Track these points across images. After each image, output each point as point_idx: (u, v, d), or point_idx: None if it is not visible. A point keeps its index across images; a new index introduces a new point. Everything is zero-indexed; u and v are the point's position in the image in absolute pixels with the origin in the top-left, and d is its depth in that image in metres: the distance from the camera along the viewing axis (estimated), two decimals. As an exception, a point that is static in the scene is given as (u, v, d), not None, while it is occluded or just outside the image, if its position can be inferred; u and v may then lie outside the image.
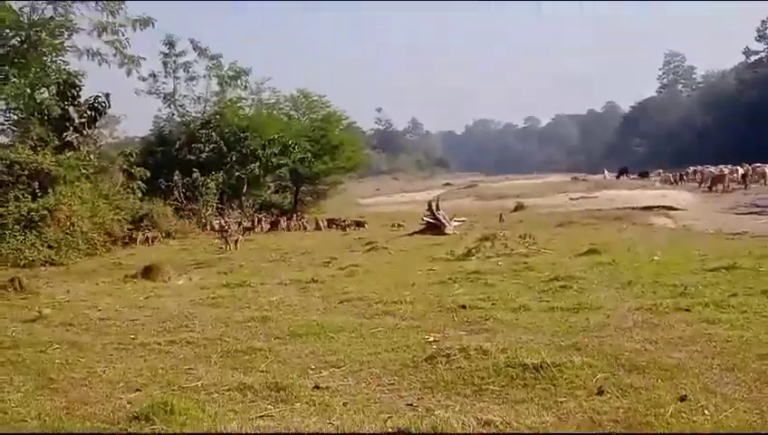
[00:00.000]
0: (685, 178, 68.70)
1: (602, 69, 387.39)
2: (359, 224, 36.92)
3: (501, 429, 6.20)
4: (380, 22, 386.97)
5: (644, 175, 79.62)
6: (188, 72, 47.68)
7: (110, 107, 35.12)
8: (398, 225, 35.69)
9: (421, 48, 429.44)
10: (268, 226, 37.46)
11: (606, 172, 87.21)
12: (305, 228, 37.09)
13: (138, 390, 7.79)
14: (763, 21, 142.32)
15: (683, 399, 6.65)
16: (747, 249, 18.34)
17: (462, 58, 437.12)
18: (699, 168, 71.22)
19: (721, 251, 18.11)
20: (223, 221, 34.68)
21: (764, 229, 26.84)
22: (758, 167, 60.79)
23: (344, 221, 37.51)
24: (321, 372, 8.17)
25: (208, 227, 35.46)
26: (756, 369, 7.51)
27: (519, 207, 44.51)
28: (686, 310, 10.47)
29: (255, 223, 37.38)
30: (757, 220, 31.50)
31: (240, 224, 35.63)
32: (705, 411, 6.36)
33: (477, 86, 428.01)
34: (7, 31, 26.87)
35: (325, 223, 37.59)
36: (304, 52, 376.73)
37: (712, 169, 67.54)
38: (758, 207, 39.53)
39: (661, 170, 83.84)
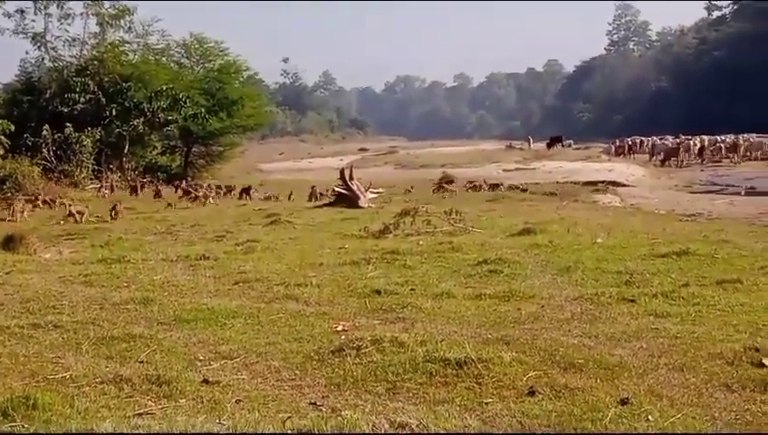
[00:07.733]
0: (633, 150, 69.54)
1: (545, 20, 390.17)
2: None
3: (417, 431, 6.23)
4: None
5: (556, 142, 78.45)
6: (62, 8, 46.80)
7: (-34, 48, 34.45)
8: (314, 196, 35.67)
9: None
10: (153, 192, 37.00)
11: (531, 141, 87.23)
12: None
13: (-6, 381, 7.63)
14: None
15: (624, 402, 6.71)
16: (702, 233, 18.68)
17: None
18: (642, 138, 72.22)
19: (672, 234, 18.40)
20: (102, 184, 34.32)
21: (722, 210, 27.49)
22: (725, 139, 62.05)
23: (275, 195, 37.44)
24: (210, 364, 8.11)
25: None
26: (708, 370, 7.56)
27: (445, 179, 44.73)
28: (632, 301, 10.61)
29: (138, 188, 36.98)
30: (714, 200, 32.21)
31: (113, 189, 35.31)
32: (649, 417, 6.42)
33: (401, 36, 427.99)
34: None
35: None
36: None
37: (656, 140, 68.79)
38: (715, 185, 40.46)
39: (571, 141, 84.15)
